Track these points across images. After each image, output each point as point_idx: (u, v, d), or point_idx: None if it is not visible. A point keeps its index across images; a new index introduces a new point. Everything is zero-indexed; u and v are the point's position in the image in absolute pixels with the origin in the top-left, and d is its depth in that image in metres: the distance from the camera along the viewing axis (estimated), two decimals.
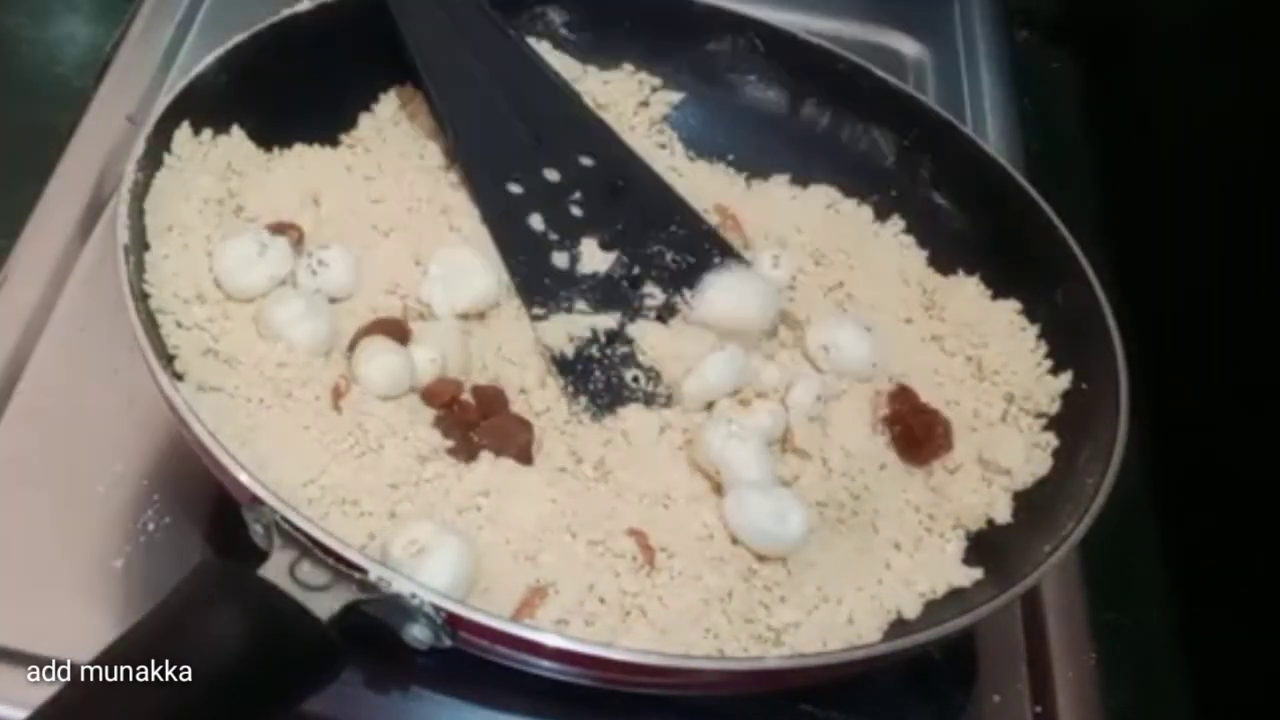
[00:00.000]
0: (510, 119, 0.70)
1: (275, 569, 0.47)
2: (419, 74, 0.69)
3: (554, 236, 0.67)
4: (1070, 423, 0.62)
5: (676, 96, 0.76)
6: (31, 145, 0.79)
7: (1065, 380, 0.63)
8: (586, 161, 0.70)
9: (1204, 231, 0.80)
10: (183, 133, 0.61)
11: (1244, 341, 0.72)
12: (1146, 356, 0.62)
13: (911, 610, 0.57)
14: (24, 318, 0.68)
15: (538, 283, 0.65)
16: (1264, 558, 0.67)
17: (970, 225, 0.70)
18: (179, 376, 0.56)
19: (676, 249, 0.68)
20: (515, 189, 0.68)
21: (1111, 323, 0.62)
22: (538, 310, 0.64)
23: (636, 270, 0.67)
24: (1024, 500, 0.61)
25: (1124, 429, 0.58)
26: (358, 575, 0.48)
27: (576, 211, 0.68)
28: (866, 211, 0.73)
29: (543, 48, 0.75)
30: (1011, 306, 0.67)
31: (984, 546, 0.60)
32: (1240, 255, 0.75)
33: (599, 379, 0.63)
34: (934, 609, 0.57)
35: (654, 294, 0.66)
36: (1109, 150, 0.91)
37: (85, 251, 0.72)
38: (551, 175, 0.69)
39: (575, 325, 0.64)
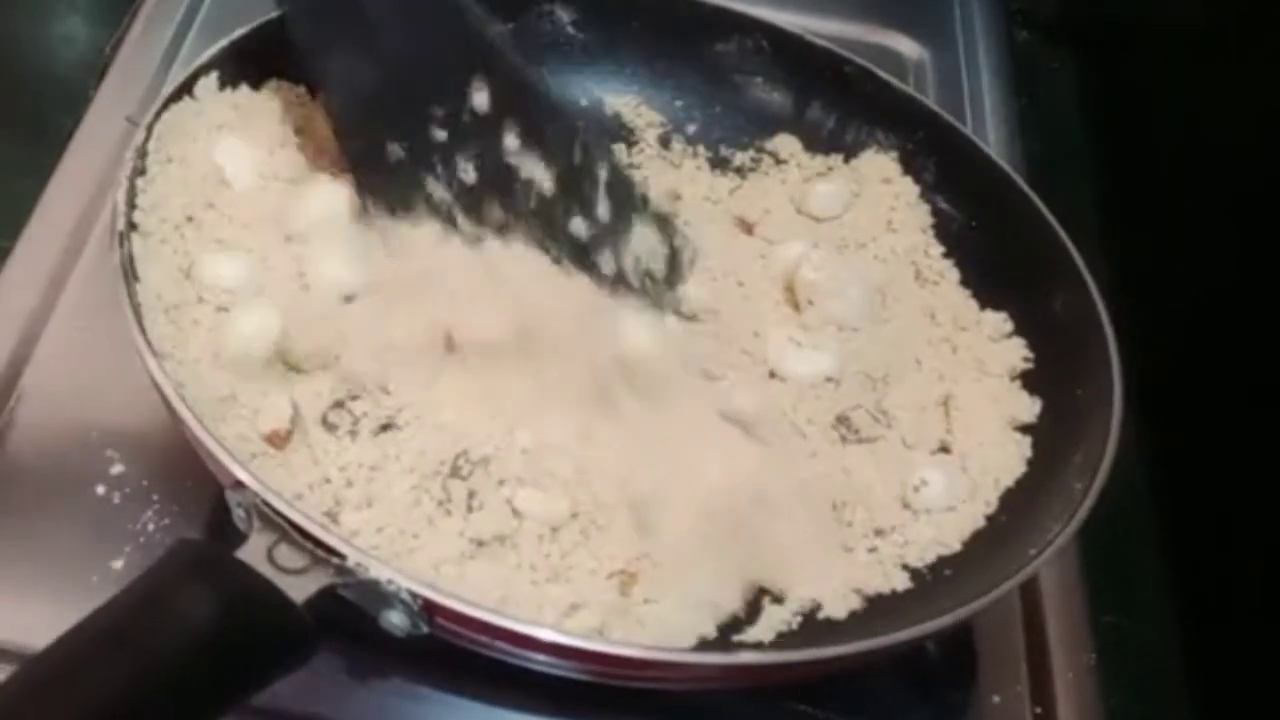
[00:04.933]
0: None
1: (252, 551, 0.47)
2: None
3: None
4: (1065, 426, 0.62)
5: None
6: (31, 145, 0.79)
7: (1063, 384, 0.63)
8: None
9: (1204, 232, 0.80)
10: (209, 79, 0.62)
11: (1244, 342, 0.72)
12: (1147, 358, 0.62)
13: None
14: (24, 318, 0.68)
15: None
16: (1264, 558, 0.67)
17: (970, 229, 0.71)
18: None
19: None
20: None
21: (1108, 329, 0.62)
22: None
23: None
24: (1018, 498, 0.62)
25: (1114, 438, 0.57)
26: (335, 560, 0.48)
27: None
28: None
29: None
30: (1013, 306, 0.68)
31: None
32: (1240, 255, 0.75)
33: None
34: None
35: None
36: (1109, 150, 0.91)
37: (85, 251, 0.71)
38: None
39: None
